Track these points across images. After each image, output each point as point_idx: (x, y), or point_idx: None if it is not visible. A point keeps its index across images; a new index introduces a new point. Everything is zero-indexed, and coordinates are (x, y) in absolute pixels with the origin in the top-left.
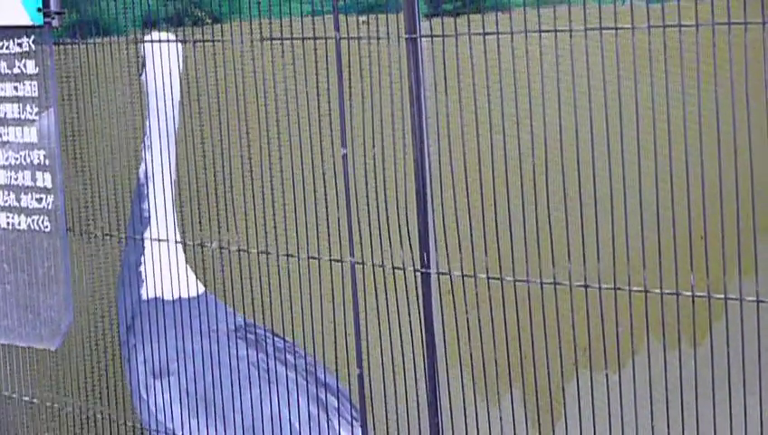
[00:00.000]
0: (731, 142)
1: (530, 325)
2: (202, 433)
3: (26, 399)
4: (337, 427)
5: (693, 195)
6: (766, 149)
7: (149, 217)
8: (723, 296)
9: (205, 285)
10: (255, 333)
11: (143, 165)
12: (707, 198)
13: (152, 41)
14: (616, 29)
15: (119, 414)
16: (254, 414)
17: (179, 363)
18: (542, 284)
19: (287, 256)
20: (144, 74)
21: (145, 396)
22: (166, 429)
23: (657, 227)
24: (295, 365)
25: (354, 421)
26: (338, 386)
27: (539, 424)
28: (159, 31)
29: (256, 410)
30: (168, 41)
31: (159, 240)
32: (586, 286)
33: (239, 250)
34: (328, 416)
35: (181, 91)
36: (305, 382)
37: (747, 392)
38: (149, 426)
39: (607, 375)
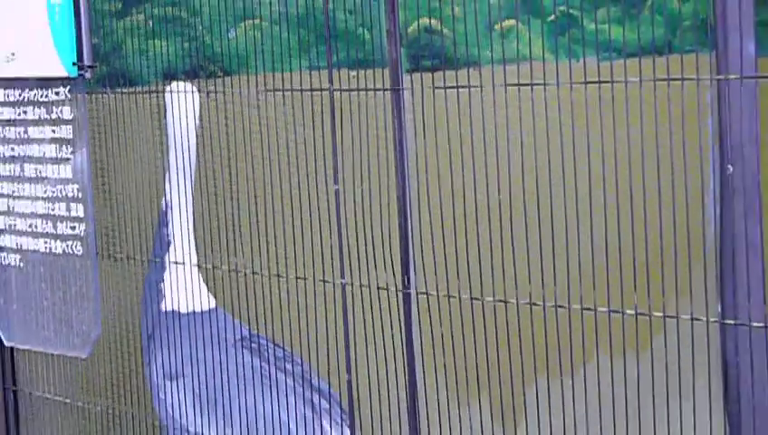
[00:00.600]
0: (669, 183)
1: (495, 338)
2: (209, 430)
3: (59, 399)
4: (328, 428)
5: (636, 228)
6: (698, 190)
7: (171, 241)
8: (662, 314)
9: (216, 300)
10: (258, 343)
11: (165, 196)
12: (649, 230)
13: (172, 91)
14: (571, 84)
15: (141, 413)
16: (255, 415)
17: (191, 368)
18: (506, 302)
19: (285, 277)
20: (166, 119)
21: (162, 396)
22: (180, 425)
23: (605, 254)
24: (293, 372)
25: (343, 423)
26: (329, 391)
27: (503, 425)
28: (178, 82)
29: (258, 411)
30: (186, 91)
31: (177, 263)
32: (544, 305)
33: (245, 272)
34: (321, 418)
35: (197, 134)
36: (300, 388)
37: (683, 398)
38: (167, 423)
39: (561, 381)
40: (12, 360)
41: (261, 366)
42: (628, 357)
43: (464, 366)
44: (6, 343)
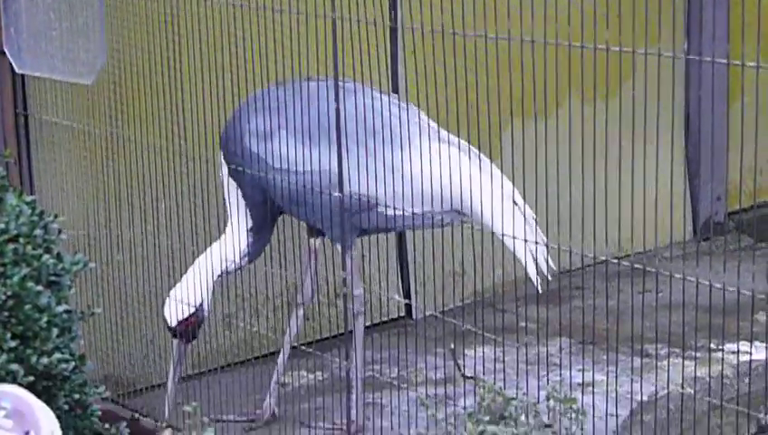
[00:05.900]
0: None
1: (476, 78)
2: (327, 151)
3: (67, 123)
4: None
5: None
6: None
7: None
8: (631, 50)
9: None
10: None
11: None
12: None
13: None
14: None
15: (138, 137)
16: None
17: (280, 123)
18: (486, 38)
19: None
20: None
21: (258, 151)
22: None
23: None
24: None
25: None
26: None
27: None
28: None
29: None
30: None
31: None
32: (521, 41)
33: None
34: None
35: None
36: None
37: (647, 141)
38: (269, 175)
39: (535, 121)
40: (23, 87)
41: (327, 87)
42: (598, 101)
43: (445, 103)
44: (18, 71)
